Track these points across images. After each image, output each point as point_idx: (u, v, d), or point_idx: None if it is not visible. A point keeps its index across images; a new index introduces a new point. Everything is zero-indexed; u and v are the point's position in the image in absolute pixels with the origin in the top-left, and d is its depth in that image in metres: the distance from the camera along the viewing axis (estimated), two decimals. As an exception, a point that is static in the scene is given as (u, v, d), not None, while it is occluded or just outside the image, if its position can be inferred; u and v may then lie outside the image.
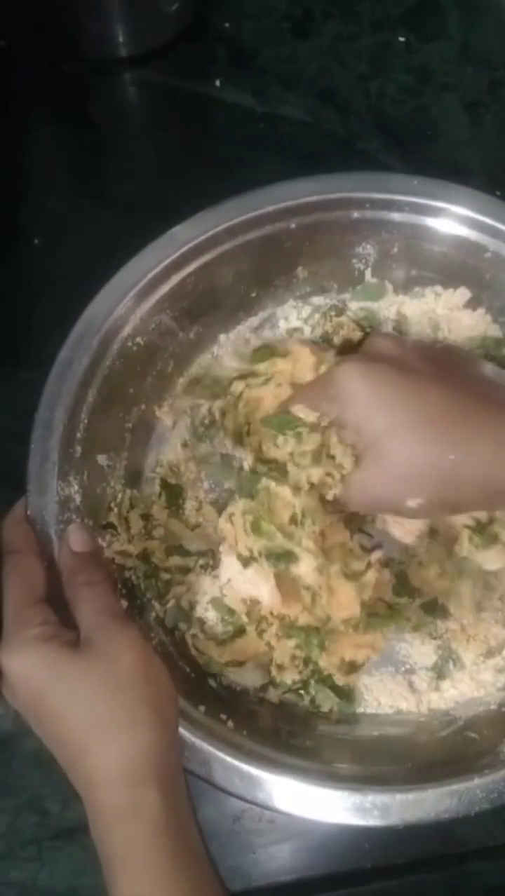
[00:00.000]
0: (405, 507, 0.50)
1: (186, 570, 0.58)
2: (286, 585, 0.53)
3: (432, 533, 0.58)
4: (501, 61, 0.82)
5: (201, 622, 0.56)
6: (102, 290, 0.58)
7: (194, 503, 0.62)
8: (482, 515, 0.56)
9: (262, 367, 0.58)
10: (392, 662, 0.59)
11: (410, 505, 0.50)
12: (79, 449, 0.55)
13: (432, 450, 0.48)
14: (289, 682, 0.56)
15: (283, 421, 0.52)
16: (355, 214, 0.61)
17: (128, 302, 0.58)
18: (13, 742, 0.59)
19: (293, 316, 0.66)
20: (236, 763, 0.49)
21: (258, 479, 0.53)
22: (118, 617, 0.49)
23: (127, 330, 0.58)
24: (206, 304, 0.62)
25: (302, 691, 0.57)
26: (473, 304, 0.64)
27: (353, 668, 0.57)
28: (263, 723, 0.55)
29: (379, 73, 0.81)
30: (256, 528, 0.52)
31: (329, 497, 0.51)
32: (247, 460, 0.56)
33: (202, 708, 0.52)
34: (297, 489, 0.51)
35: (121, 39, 0.78)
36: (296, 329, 0.65)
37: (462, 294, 0.64)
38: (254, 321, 0.66)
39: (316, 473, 0.50)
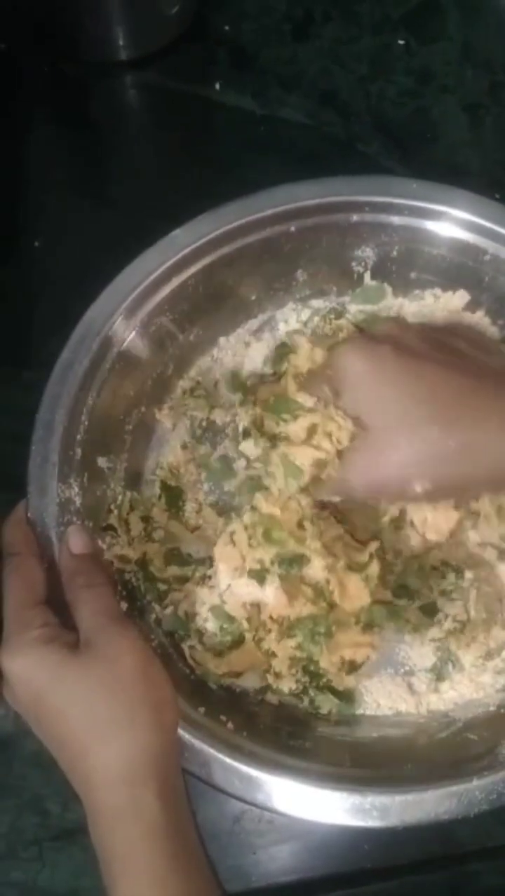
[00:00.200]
0: (412, 491, 0.50)
1: (185, 580, 0.58)
2: (289, 585, 0.53)
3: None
4: (501, 63, 0.82)
5: (200, 633, 0.56)
6: (103, 292, 0.58)
7: (194, 505, 0.62)
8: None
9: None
10: (391, 664, 0.59)
11: (417, 489, 0.49)
12: (79, 451, 0.55)
13: (435, 430, 0.48)
14: (286, 690, 0.56)
15: (281, 405, 0.53)
16: (355, 217, 0.61)
17: (129, 304, 0.58)
18: (14, 743, 0.59)
19: (293, 319, 0.66)
20: (236, 764, 0.50)
21: (258, 484, 0.53)
22: (118, 619, 0.49)
23: (127, 332, 0.58)
24: (207, 307, 0.62)
25: (298, 698, 0.57)
26: (472, 306, 0.64)
27: (353, 667, 0.57)
28: (262, 724, 0.55)
29: (379, 75, 0.81)
30: (268, 538, 0.52)
31: (323, 476, 0.51)
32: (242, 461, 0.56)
33: (202, 709, 0.52)
34: (301, 489, 0.52)
35: (121, 41, 0.78)
36: (295, 332, 0.65)
37: (461, 297, 0.64)
38: (253, 324, 0.66)
39: (309, 453, 0.51)
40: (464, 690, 0.58)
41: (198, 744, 0.50)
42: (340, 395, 0.51)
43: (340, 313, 0.65)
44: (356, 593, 0.54)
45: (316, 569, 0.53)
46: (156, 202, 0.71)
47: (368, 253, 0.64)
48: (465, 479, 0.49)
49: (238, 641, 0.55)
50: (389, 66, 0.81)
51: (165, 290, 0.59)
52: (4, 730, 0.59)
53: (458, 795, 0.49)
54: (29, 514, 0.53)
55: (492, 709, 0.57)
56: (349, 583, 0.54)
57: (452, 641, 0.58)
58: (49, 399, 0.55)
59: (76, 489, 0.54)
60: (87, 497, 0.55)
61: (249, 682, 0.57)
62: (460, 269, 0.63)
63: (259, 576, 0.53)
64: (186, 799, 0.47)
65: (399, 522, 0.59)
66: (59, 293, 0.69)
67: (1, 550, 0.52)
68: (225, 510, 0.60)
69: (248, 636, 0.55)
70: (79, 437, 0.55)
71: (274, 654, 0.55)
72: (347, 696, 0.57)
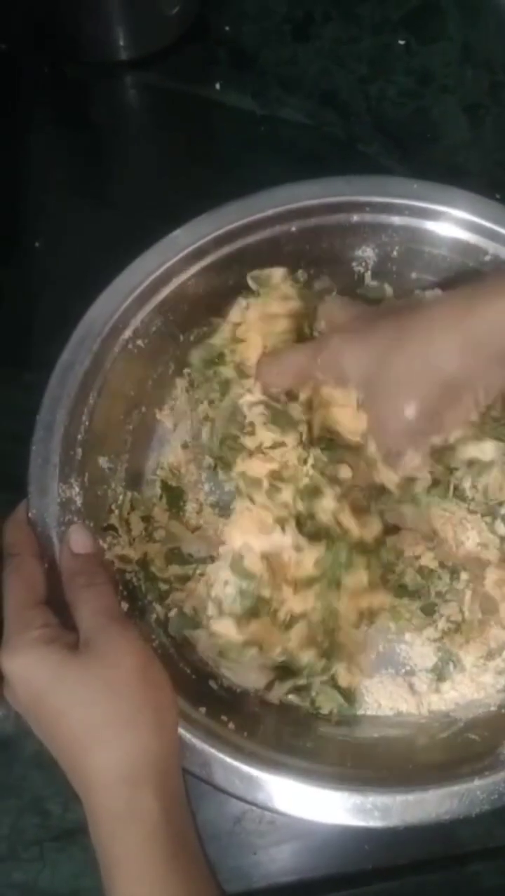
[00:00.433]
0: (407, 421, 0.53)
1: (186, 579, 0.58)
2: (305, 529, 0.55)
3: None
4: (501, 63, 0.82)
5: (218, 601, 0.55)
6: (104, 293, 0.58)
7: (195, 505, 0.62)
8: None
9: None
10: (392, 664, 0.59)
11: (410, 415, 0.52)
12: (80, 451, 0.55)
13: (410, 352, 0.51)
14: (305, 661, 0.55)
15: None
16: (355, 218, 0.61)
17: (129, 304, 0.58)
18: (15, 744, 0.59)
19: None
20: (237, 764, 0.49)
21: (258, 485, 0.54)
22: (118, 619, 0.49)
23: (128, 332, 0.58)
24: (207, 307, 0.62)
25: (305, 692, 0.57)
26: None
27: (371, 617, 0.57)
28: (263, 724, 0.55)
29: (379, 75, 0.81)
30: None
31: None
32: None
33: (203, 709, 0.52)
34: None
35: (122, 42, 0.78)
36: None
37: (462, 297, 0.64)
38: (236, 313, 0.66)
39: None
40: (465, 690, 0.58)
41: (199, 744, 0.49)
42: (334, 375, 0.54)
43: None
44: (368, 520, 0.56)
45: (328, 499, 0.54)
46: (156, 202, 0.71)
47: (368, 253, 0.64)
48: (439, 385, 0.52)
49: (257, 607, 0.54)
50: (390, 67, 0.81)
51: (166, 291, 0.59)
52: (5, 731, 0.59)
53: (459, 795, 0.49)
54: (30, 515, 0.53)
55: (493, 709, 0.57)
56: (359, 510, 0.56)
57: (449, 642, 0.58)
58: (50, 399, 0.55)
59: (77, 489, 0.54)
60: (87, 497, 0.55)
61: (253, 680, 0.57)
62: (461, 270, 0.63)
63: (283, 521, 0.54)
64: (186, 800, 0.47)
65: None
66: (59, 293, 0.69)
67: (1, 551, 0.52)
68: (226, 510, 0.60)
69: (267, 594, 0.54)
70: (79, 437, 0.55)
71: (290, 626, 0.55)
72: (350, 696, 0.57)
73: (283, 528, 0.54)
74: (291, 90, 0.80)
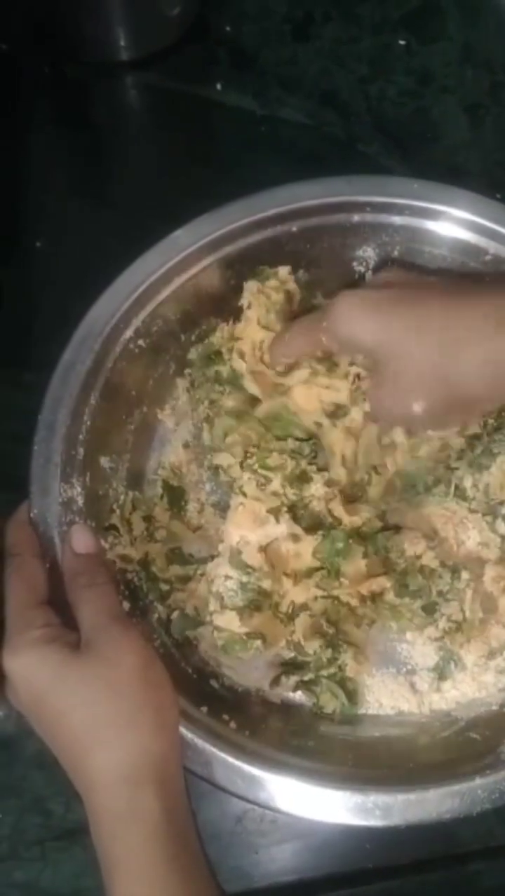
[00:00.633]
0: (412, 414, 0.53)
1: (187, 580, 0.59)
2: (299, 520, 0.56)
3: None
4: (501, 63, 0.82)
5: (219, 596, 0.55)
6: (105, 293, 0.58)
7: (196, 505, 0.62)
8: None
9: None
10: (393, 663, 0.59)
11: (417, 410, 0.52)
12: (81, 451, 0.55)
13: (430, 350, 0.50)
14: (311, 652, 0.56)
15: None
16: (356, 218, 0.61)
17: (130, 304, 0.58)
18: (16, 744, 0.59)
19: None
20: (238, 763, 0.50)
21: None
22: (119, 619, 0.49)
23: (129, 332, 0.58)
24: (208, 307, 0.62)
25: (309, 690, 0.57)
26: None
27: (374, 598, 0.57)
28: (265, 723, 0.55)
29: (379, 75, 0.81)
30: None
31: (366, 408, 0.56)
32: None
33: (204, 709, 0.52)
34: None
35: (122, 42, 0.78)
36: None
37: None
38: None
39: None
40: (466, 690, 0.58)
41: (200, 743, 0.50)
42: (344, 344, 0.54)
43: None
44: (358, 509, 0.57)
45: (317, 484, 0.56)
46: (157, 202, 0.71)
47: (369, 253, 0.64)
48: (463, 387, 0.51)
49: (258, 599, 0.55)
50: (390, 67, 0.81)
51: (167, 291, 0.59)
52: (6, 731, 0.59)
53: (460, 795, 0.49)
54: (31, 515, 0.53)
55: (494, 708, 0.57)
56: (373, 490, 0.58)
57: (450, 641, 0.58)
58: (51, 399, 0.55)
59: (78, 489, 0.54)
60: (89, 497, 0.55)
61: (255, 678, 0.57)
62: (461, 270, 0.63)
63: (276, 511, 0.55)
64: (187, 800, 0.47)
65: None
66: (59, 294, 0.69)
67: (3, 551, 0.52)
68: (227, 510, 0.60)
69: (267, 586, 0.55)
70: (81, 437, 0.55)
71: (293, 617, 0.55)
72: (352, 695, 0.57)
73: (277, 519, 0.55)
74: (291, 90, 0.80)
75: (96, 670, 0.46)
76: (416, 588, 0.58)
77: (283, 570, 0.55)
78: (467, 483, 0.61)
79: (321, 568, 0.55)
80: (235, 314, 0.64)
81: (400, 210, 0.61)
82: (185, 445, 0.63)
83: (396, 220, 0.61)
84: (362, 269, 0.65)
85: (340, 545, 0.55)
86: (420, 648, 0.59)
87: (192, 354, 0.63)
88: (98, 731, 0.45)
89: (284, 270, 0.61)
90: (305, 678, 0.57)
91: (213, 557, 0.57)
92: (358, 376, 0.56)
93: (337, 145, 0.78)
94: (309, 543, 0.55)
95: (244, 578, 0.54)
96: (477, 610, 0.58)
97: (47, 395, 0.55)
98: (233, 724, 0.52)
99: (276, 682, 0.57)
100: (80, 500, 0.54)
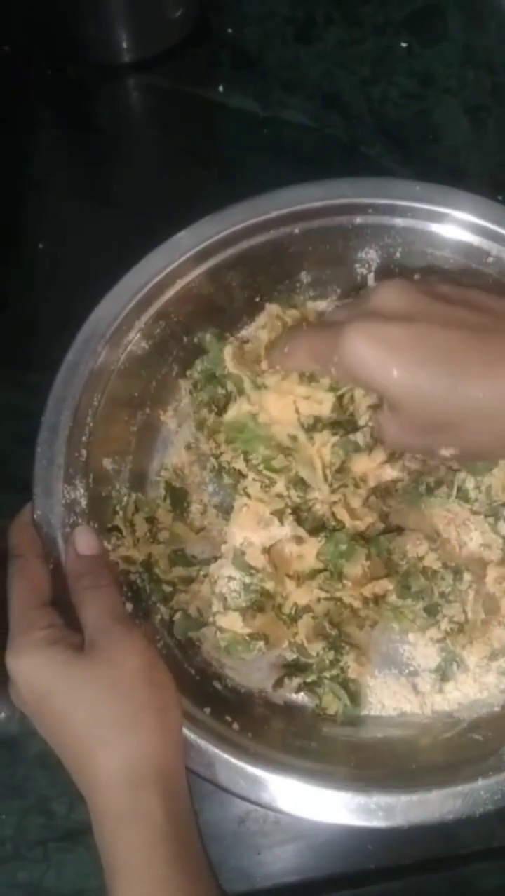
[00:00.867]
0: (440, 455, 0.50)
1: (189, 581, 0.59)
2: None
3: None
4: (502, 65, 0.82)
5: (222, 597, 0.55)
6: (108, 294, 0.58)
7: (199, 506, 0.62)
8: None
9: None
10: (396, 664, 0.59)
11: (444, 454, 0.50)
12: (84, 452, 0.55)
13: (451, 395, 0.46)
14: (314, 654, 0.56)
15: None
16: (358, 219, 0.61)
17: (133, 306, 0.58)
18: (19, 744, 0.59)
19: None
20: (241, 764, 0.50)
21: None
22: (123, 620, 0.49)
23: (132, 334, 0.58)
24: (211, 309, 0.62)
25: (311, 691, 0.57)
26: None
27: (376, 600, 0.57)
28: (267, 725, 0.55)
29: (381, 77, 0.81)
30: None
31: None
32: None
33: (207, 710, 0.52)
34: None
35: (124, 44, 0.78)
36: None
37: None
38: (257, 325, 0.66)
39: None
40: (468, 691, 0.58)
41: (203, 744, 0.50)
42: (354, 381, 0.51)
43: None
44: (361, 512, 0.56)
45: (319, 488, 0.55)
46: (159, 204, 0.71)
47: (371, 255, 0.64)
48: (494, 435, 0.48)
49: (261, 600, 0.55)
50: (391, 69, 0.81)
51: (170, 293, 0.59)
52: (10, 731, 0.59)
53: (462, 796, 0.49)
54: (35, 516, 0.53)
55: (496, 709, 0.57)
56: (352, 501, 0.56)
57: (452, 642, 0.58)
58: (54, 401, 0.55)
59: (81, 490, 0.54)
60: (92, 498, 0.55)
61: (257, 679, 0.57)
62: (463, 272, 0.63)
63: (280, 513, 0.54)
64: (190, 801, 0.47)
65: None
66: (62, 295, 0.70)
67: (6, 552, 0.52)
68: (230, 511, 0.60)
69: (270, 588, 0.55)
70: (84, 438, 0.55)
71: (296, 619, 0.55)
72: (355, 695, 0.57)
73: (280, 521, 0.55)
74: (293, 92, 0.80)
75: (99, 671, 0.46)
76: (418, 589, 0.58)
77: (286, 571, 0.55)
78: (469, 484, 0.61)
79: (324, 570, 0.55)
80: (236, 317, 0.64)
81: (402, 212, 0.61)
82: (188, 447, 0.63)
83: (399, 222, 0.61)
84: (364, 270, 0.65)
85: (343, 547, 0.55)
86: (422, 650, 0.59)
87: (198, 367, 0.62)
88: (100, 732, 0.45)
89: (311, 303, 0.61)
90: (308, 680, 0.57)
91: (215, 559, 0.57)
92: (373, 407, 0.53)
93: (339, 147, 0.78)
94: (312, 545, 0.55)
95: (247, 579, 0.54)
96: (479, 611, 0.59)
97: (50, 397, 0.55)
98: (236, 726, 0.52)
99: (278, 683, 0.58)
100: (84, 502, 0.54)
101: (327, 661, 0.56)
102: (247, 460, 0.56)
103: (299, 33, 0.83)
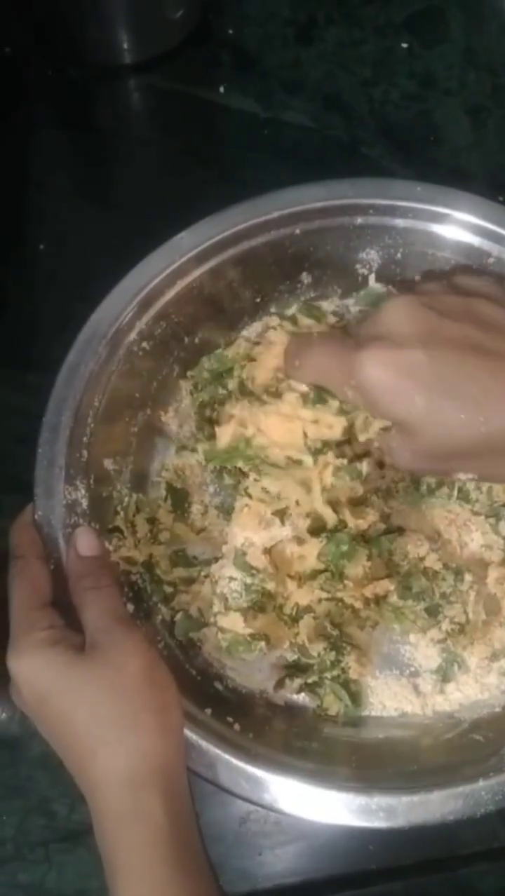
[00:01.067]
0: (458, 479, 0.51)
1: (190, 582, 0.59)
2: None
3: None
4: (503, 66, 0.82)
5: (223, 597, 0.55)
6: (109, 295, 0.58)
7: (200, 507, 0.62)
8: None
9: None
10: (397, 665, 0.59)
11: (462, 478, 0.51)
12: (85, 453, 0.55)
13: (468, 423, 0.46)
14: (315, 654, 0.56)
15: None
16: (359, 220, 0.61)
17: (134, 307, 0.58)
18: (21, 745, 0.59)
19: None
20: (242, 765, 0.50)
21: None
22: (123, 621, 0.49)
23: (133, 335, 0.58)
24: (211, 310, 0.62)
25: (312, 692, 0.57)
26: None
27: (377, 600, 0.57)
28: (269, 725, 0.55)
29: (382, 78, 0.81)
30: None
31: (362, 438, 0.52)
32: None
33: (208, 710, 0.52)
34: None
35: (125, 45, 0.78)
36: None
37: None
38: (258, 326, 0.66)
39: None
40: (469, 691, 0.58)
41: (204, 745, 0.50)
42: (368, 405, 0.50)
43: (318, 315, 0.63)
44: (363, 512, 0.56)
45: (315, 504, 0.54)
46: (160, 205, 0.71)
47: (372, 255, 0.64)
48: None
49: (262, 601, 0.55)
50: (392, 70, 0.81)
51: (171, 293, 0.59)
52: (11, 732, 0.59)
53: (464, 796, 0.49)
54: (36, 517, 0.53)
55: (497, 710, 0.57)
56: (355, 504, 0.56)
57: (453, 643, 0.58)
58: (55, 402, 0.55)
59: (82, 491, 0.54)
60: (93, 499, 0.55)
61: (258, 680, 0.57)
62: (463, 272, 0.63)
63: (281, 514, 0.54)
64: (191, 801, 0.47)
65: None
66: (63, 296, 0.70)
67: (7, 553, 0.52)
68: (231, 512, 0.60)
69: (271, 588, 0.55)
70: (85, 439, 0.55)
71: (297, 619, 0.56)
72: (357, 695, 0.57)
73: (281, 521, 0.55)
74: (294, 93, 0.80)
75: (100, 672, 0.46)
76: (419, 590, 0.58)
77: (287, 571, 0.55)
78: (470, 485, 0.61)
79: (325, 570, 0.55)
80: (237, 317, 0.64)
81: (403, 213, 0.61)
82: (188, 448, 0.63)
83: (400, 222, 0.61)
84: (365, 271, 0.65)
85: (345, 548, 0.55)
86: (423, 650, 0.59)
87: (205, 365, 0.62)
88: (101, 732, 0.45)
89: (332, 319, 0.61)
90: (309, 680, 0.57)
91: (216, 559, 0.57)
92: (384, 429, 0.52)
93: (340, 148, 0.78)
94: (313, 546, 0.55)
95: (248, 580, 0.54)
96: (480, 612, 0.59)
97: (51, 398, 0.55)
98: (237, 726, 0.52)
99: (280, 684, 0.58)
100: (84, 503, 0.54)
101: (328, 662, 0.56)
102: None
103: (300, 34, 0.83)
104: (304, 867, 0.58)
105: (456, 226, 0.61)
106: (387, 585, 0.57)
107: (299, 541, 0.55)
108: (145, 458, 0.62)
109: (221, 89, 0.80)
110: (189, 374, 0.64)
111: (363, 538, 0.57)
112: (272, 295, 0.65)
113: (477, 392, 0.46)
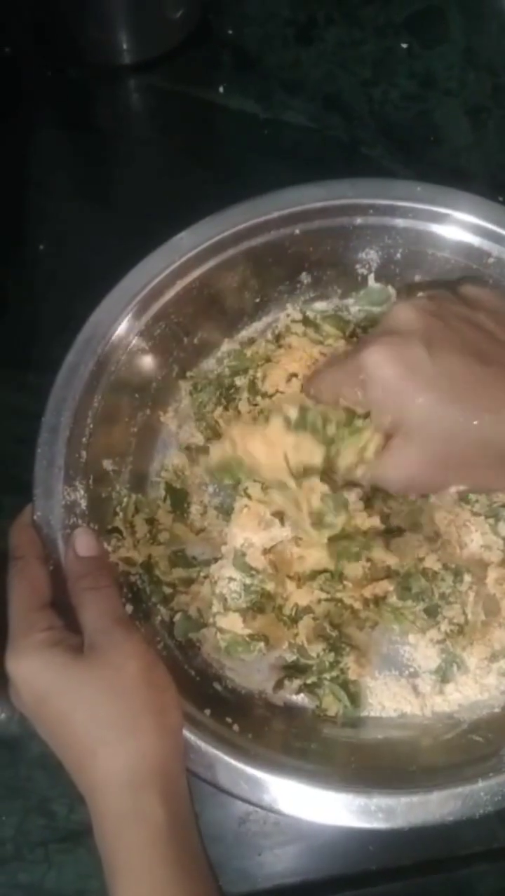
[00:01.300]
0: (448, 492, 0.50)
1: (190, 582, 0.59)
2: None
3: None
4: (503, 66, 0.82)
5: (223, 598, 0.55)
6: (108, 295, 0.58)
7: (199, 507, 0.62)
8: None
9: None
10: (396, 666, 0.59)
11: (452, 491, 0.50)
12: (84, 454, 0.55)
13: (466, 427, 0.47)
14: (314, 655, 0.56)
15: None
16: (359, 220, 0.61)
17: (133, 307, 0.58)
18: (20, 745, 0.59)
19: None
20: (242, 766, 0.50)
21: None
22: (122, 622, 0.49)
23: (132, 335, 0.58)
24: (211, 310, 0.62)
25: (312, 693, 0.57)
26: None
27: (376, 601, 0.57)
28: (268, 726, 0.55)
29: (382, 78, 0.81)
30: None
31: (359, 474, 0.51)
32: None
33: (208, 711, 0.52)
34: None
35: (125, 45, 0.78)
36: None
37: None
38: (258, 326, 0.66)
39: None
40: (469, 692, 0.58)
41: (203, 746, 0.50)
42: (374, 401, 0.50)
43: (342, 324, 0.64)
44: (361, 514, 0.55)
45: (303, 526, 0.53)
46: (160, 205, 0.71)
47: (371, 255, 0.64)
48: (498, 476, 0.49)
49: (262, 601, 0.55)
50: (392, 70, 0.81)
51: (170, 293, 0.59)
52: (10, 732, 0.59)
53: (463, 797, 0.49)
54: (35, 517, 0.53)
55: (497, 710, 0.57)
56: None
57: (452, 643, 0.58)
58: (54, 402, 0.55)
59: (82, 492, 0.55)
60: (92, 499, 0.55)
61: (258, 681, 0.57)
62: (464, 272, 0.63)
63: (281, 514, 0.54)
64: (190, 802, 0.47)
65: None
66: (63, 296, 0.70)
67: (6, 553, 0.52)
68: (230, 512, 0.60)
69: (271, 589, 0.54)
70: (84, 439, 0.55)
71: (296, 620, 0.55)
72: (356, 696, 0.57)
73: (281, 522, 0.55)
74: (294, 93, 0.80)
75: (99, 673, 0.46)
76: (418, 591, 0.58)
77: (286, 572, 0.56)
78: (470, 486, 0.61)
79: (324, 571, 0.55)
80: (236, 318, 0.64)
81: (403, 213, 0.61)
82: (188, 448, 0.63)
83: (399, 222, 0.61)
84: (365, 271, 0.65)
85: (355, 549, 0.54)
86: (423, 651, 0.59)
87: (224, 362, 0.63)
88: (100, 733, 0.45)
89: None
90: (308, 681, 0.57)
91: (216, 560, 0.57)
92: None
93: (340, 148, 0.78)
94: (314, 552, 0.55)
95: (248, 580, 0.54)
96: (479, 612, 0.59)
97: (51, 398, 0.55)
98: (236, 727, 0.52)
99: (279, 684, 0.58)
100: (84, 503, 0.54)
101: (327, 663, 0.56)
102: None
103: (300, 34, 0.83)
104: (303, 867, 0.58)
105: (456, 226, 0.61)
106: (386, 586, 0.57)
107: (299, 541, 0.55)
108: (144, 459, 0.62)
109: (221, 89, 0.80)
110: (189, 374, 0.64)
111: (362, 538, 0.56)
112: (272, 295, 0.65)
113: (477, 397, 0.47)
